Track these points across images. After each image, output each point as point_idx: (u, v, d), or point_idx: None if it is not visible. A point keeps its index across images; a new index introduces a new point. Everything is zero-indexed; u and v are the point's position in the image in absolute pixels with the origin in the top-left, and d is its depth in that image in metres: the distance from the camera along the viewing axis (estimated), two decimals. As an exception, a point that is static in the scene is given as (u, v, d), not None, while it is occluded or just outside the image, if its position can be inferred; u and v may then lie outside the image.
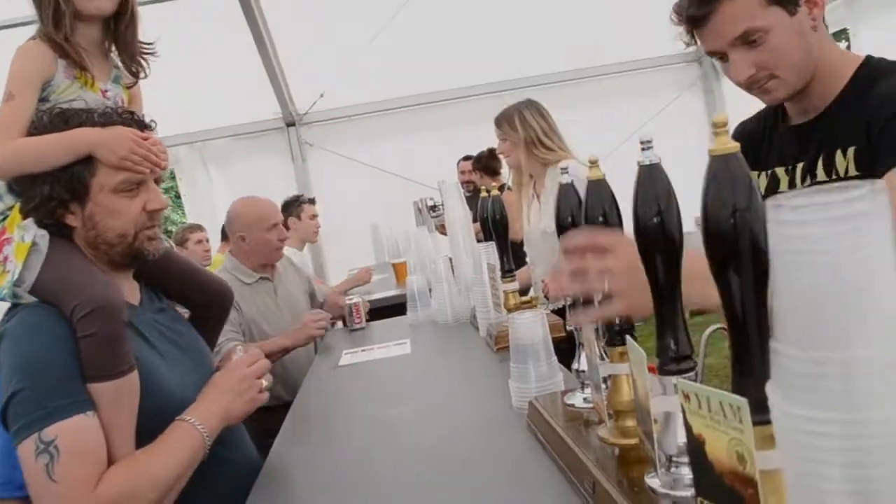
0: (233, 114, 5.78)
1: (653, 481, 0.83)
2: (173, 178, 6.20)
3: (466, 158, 4.82)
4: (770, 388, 0.50)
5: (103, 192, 1.27)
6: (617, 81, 5.70)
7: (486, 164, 4.34)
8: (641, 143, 0.82)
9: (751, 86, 1.20)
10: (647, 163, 0.80)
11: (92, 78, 1.43)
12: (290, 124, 5.98)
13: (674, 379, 0.78)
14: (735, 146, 0.63)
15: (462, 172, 4.85)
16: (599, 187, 0.98)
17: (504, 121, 2.59)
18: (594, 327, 1.02)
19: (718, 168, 0.63)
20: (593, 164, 0.99)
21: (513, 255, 2.04)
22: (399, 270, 3.94)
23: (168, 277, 1.53)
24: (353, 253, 5.34)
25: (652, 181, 0.80)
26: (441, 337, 2.34)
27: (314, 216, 4.14)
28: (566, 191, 1.11)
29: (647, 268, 0.80)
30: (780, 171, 1.29)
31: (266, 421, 1.71)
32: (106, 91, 1.47)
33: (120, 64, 1.52)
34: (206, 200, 5.91)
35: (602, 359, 1.02)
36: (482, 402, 1.54)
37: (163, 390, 1.28)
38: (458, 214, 2.46)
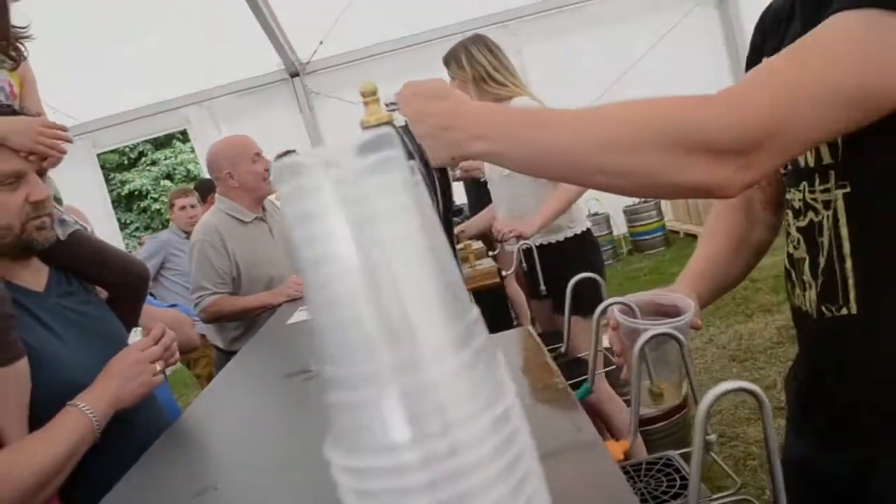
0: (237, 69, 5.78)
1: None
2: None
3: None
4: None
5: None
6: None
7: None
8: (387, 104, 0.77)
9: None
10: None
11: None
12: (294, 75, 5.95)
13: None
14: (386, 117, 0.58)
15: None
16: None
17: (452, 60, 2.47)
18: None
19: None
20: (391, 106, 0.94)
21: (479, 195, 2.00)
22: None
23: (77, 260, 1.54)
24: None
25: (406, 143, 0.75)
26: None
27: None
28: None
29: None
30: None
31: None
32: None
33: None
34: (219, 158, 5.97)
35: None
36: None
37: (61, 378, 1.29)
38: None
